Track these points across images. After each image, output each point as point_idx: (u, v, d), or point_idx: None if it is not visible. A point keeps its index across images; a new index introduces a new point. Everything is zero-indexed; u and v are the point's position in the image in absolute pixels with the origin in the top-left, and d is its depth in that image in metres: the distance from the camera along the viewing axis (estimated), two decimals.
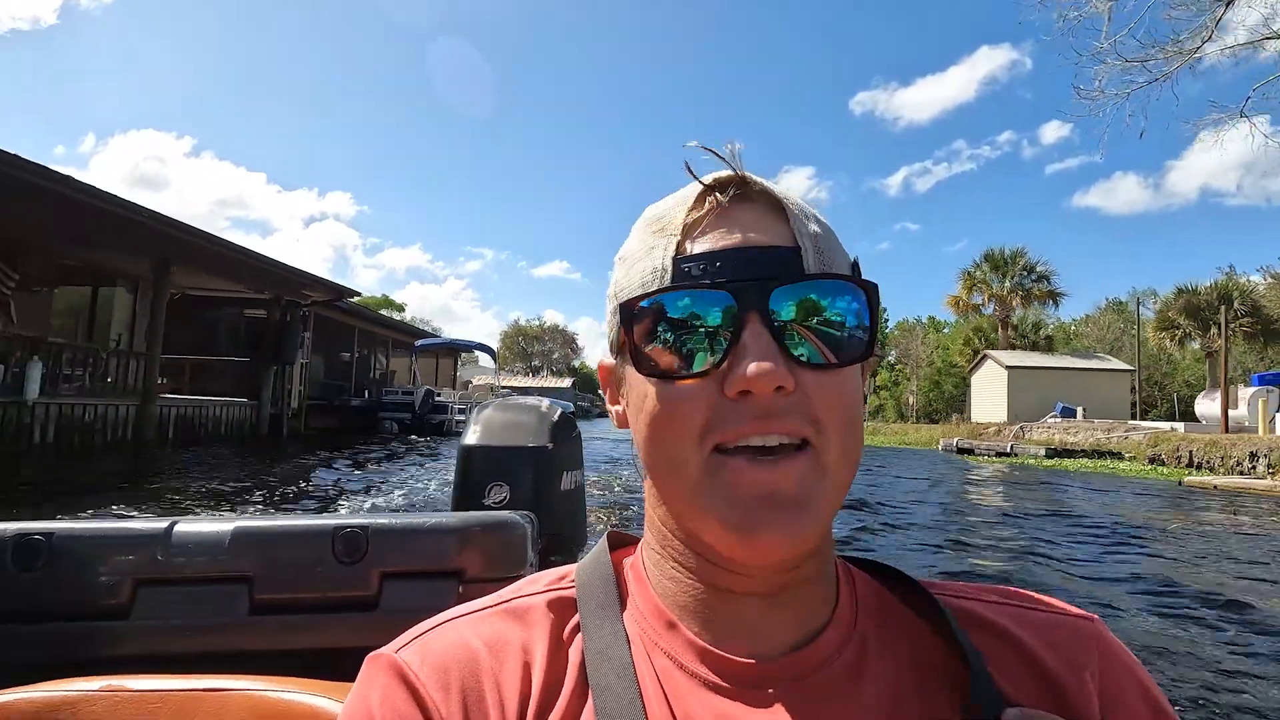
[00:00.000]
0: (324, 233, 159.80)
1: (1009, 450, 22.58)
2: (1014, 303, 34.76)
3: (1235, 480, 13.53)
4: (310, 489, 8.88)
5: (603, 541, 0.50)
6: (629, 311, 0.41)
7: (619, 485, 9.65)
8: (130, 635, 0.97)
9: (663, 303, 0.40)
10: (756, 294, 0.38)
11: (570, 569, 0.48)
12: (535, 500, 2.00)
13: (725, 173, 0.42)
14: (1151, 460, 18.25)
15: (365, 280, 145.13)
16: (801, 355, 0.38)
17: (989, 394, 32.17)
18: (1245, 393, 21.59)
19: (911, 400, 47.41)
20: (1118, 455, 19.90)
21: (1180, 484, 13.92)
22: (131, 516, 1.16)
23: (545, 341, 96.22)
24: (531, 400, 2.37)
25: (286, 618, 1.02)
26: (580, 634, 0.42)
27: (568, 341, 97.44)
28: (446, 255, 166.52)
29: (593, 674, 0.40)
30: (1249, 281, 29.01)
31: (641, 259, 0.43)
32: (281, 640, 1.01)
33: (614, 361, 0.46)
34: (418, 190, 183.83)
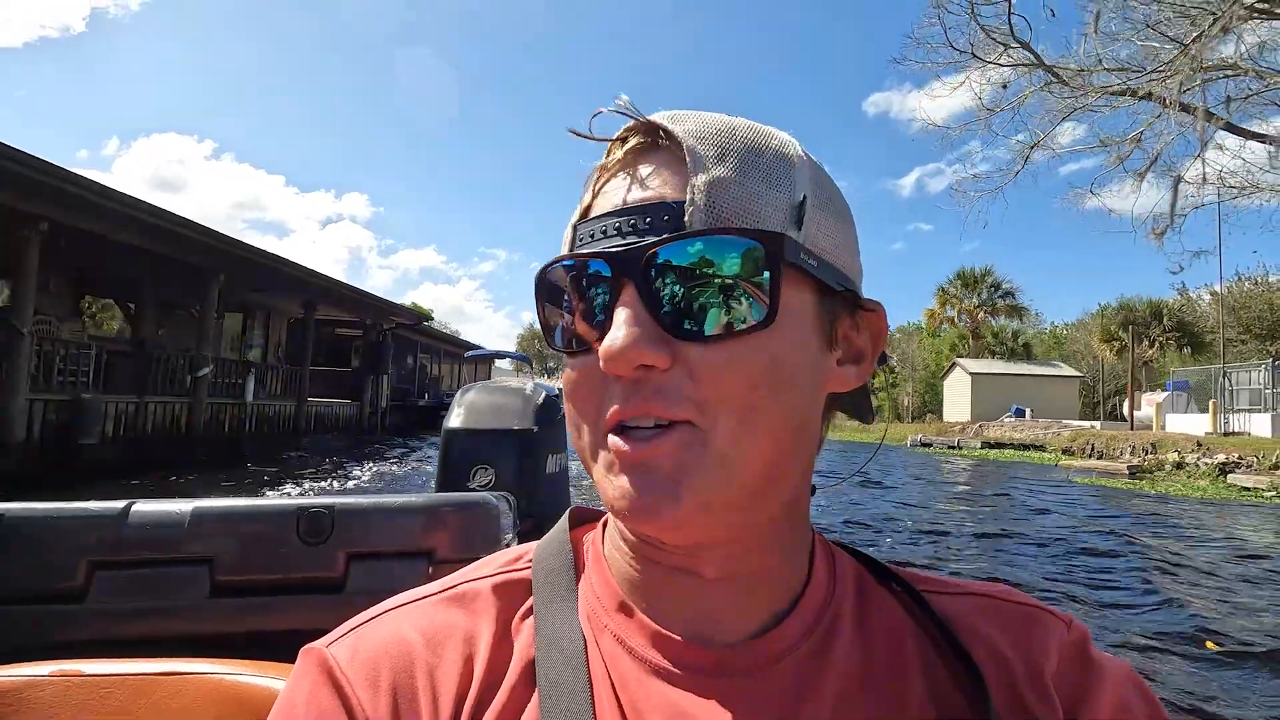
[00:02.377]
0: (340, 234, 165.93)
1: (956, 444, 27.27)
2: (980, 316, 39.32)
3: (1095, 463, 18.17)
4: (412, 455, 13.96)
5: (564, 518, 0.46)
6: (539, 283, 0.39)
7: None
8: (85, 619, 0.94)
9: (552, 274, 0.38)
10: (630, 261, 0.34)
11: (529, 548, 0.45)
12: (520, 484, 1.98)
13: (640, 120, 0.37)
14: (1065, 451, 22.78)
15: (380, 281, 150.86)
16: (685, 326, 0.34)
17: (957, 396, 36.76)
18: (1159, 396, 26.12)
19: (907, 401, 51.83)
20: (1041, 448, 24.47)
21: (1057, 465, 18.63)
22: (88, 498, 1.05)
23: None
24: (515, 382, 2.37)
25: (249, 600, 1.00)
26: (532, 619, 0.40)
27: None
28: (460, 256, 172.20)
29: (541, 663, 0.37)
30: (1179, 299, 33.26)
31: (567, 228, 0.40)
32: (244, 623, 0.99)
33: None
34: (434, 192, 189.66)
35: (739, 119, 0.39)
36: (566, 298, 0.38)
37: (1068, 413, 33.78)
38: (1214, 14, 11.16)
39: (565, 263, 0.37)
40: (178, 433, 12.78)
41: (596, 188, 0.38)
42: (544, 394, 2.33)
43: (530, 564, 0.43)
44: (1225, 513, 10.55)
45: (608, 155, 0.38)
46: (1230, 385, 21.73)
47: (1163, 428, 23.55)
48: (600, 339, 0.35)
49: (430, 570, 1.04)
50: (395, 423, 23.42)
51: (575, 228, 0.39)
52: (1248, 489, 12.92)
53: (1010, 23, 12.79)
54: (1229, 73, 12.09)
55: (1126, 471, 15.98)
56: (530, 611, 0.40)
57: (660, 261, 0.34)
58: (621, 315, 0.34)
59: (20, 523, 0.95)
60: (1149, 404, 25.69)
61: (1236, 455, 14.63)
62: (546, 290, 0.39)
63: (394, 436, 21.31)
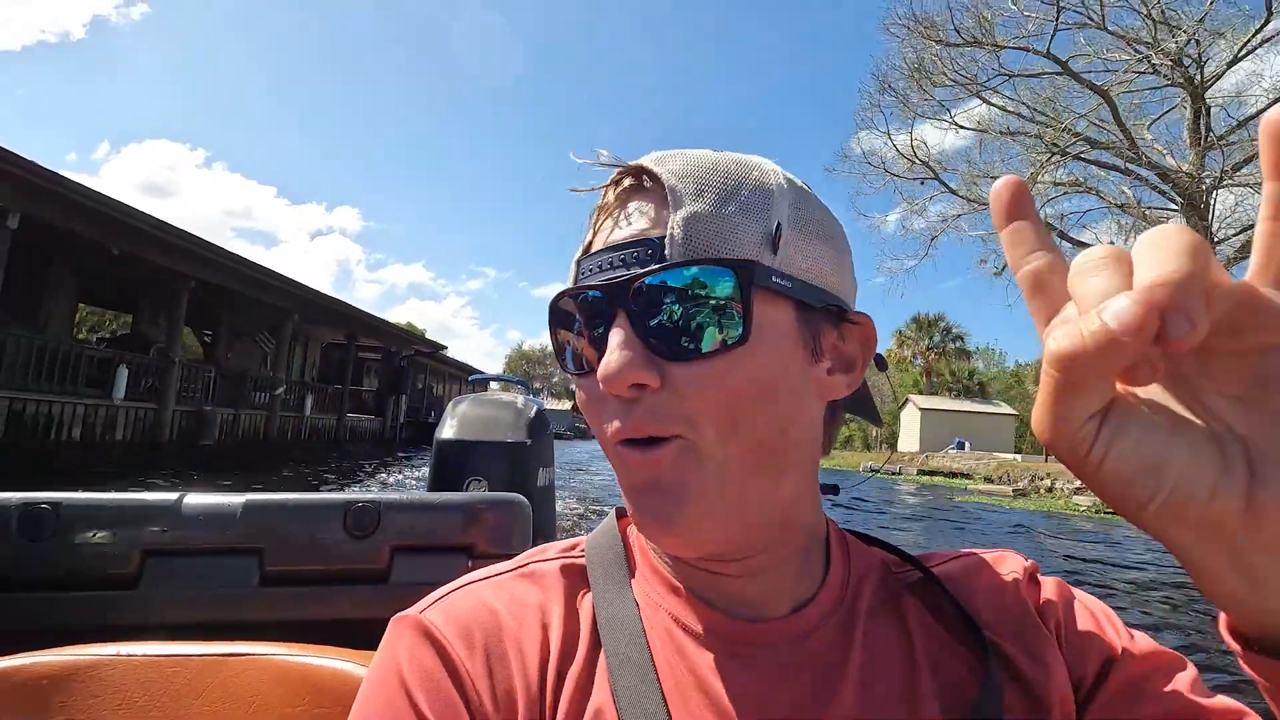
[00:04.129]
0: (329, 246, 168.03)
1: (899, 471, 31.19)
2: (933, 358, 43.69)
3: (994, 486, 22.05)
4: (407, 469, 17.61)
5: (611, 514, 0.51)
6: (551, 312, 0.43)
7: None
8: (138, 605, 0.97)
9: (559, 306, 0.43)
10: (620, 291, 0.39)
11: (580, 539, 0.50)
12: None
13: (630, 164, 0.42)
14: (987, 479, 26.69)
15: (366, 295, 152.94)
16: (671, 348, 0.38)
17: (909, 429, 40.84)
18: None
19: (875, 431, 55.91)
20: (969, 476, 28.39)
21: (966, 489, 22.51)
22: (140, 489, 1.18)
23: (546, 365, 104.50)
24: (506, 396, 2.42)
25: (298, 589, 1.03)
26: (590, 599, 0.44)
27: None
28: (449, 273, 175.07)
29: (605, 637, 0.42)
30: None
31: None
32: (292, 611, 1.02)
33: None
34: (425, 208, 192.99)
35: (726, 154, 0.42)
36: (570, 325, 0.42)
37: (1004, 446, 37.93)
38: (1049, 152, 15.43)
39: (570, 295, 0.42)
40: (259, 439, 16.25)
41: (595, 226, 0.43)
42: (535, 408, 2.36)
43: (583, 553, 0.48)
44: (1054, 518, 14.40)
45: (604, 197, 0.43)
46: None
47: None
48: (588, 365, 0.40)
49: (469, 564, 1.07)
50: (409, 436, 26.88)
51: (579, 263, 0.43)
52: (1084, 506, 16.90)
53: (914, 150, 17.00)
54: (1069, 190, 16.30)
55: (1011, 493, 19.89)
56: (589, 593, 0.45)
57: (644, 292, 0.38)
58: (614, 340, 0.38)
59: (76, 511, 0.98)
60: None
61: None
62: (557, 318, 0.43)
63: (409, 447, 24.80)
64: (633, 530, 0.50)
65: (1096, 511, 16.20)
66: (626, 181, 0.42)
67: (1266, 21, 13.31)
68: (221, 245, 13.46)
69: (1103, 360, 0.23)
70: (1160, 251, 0.24)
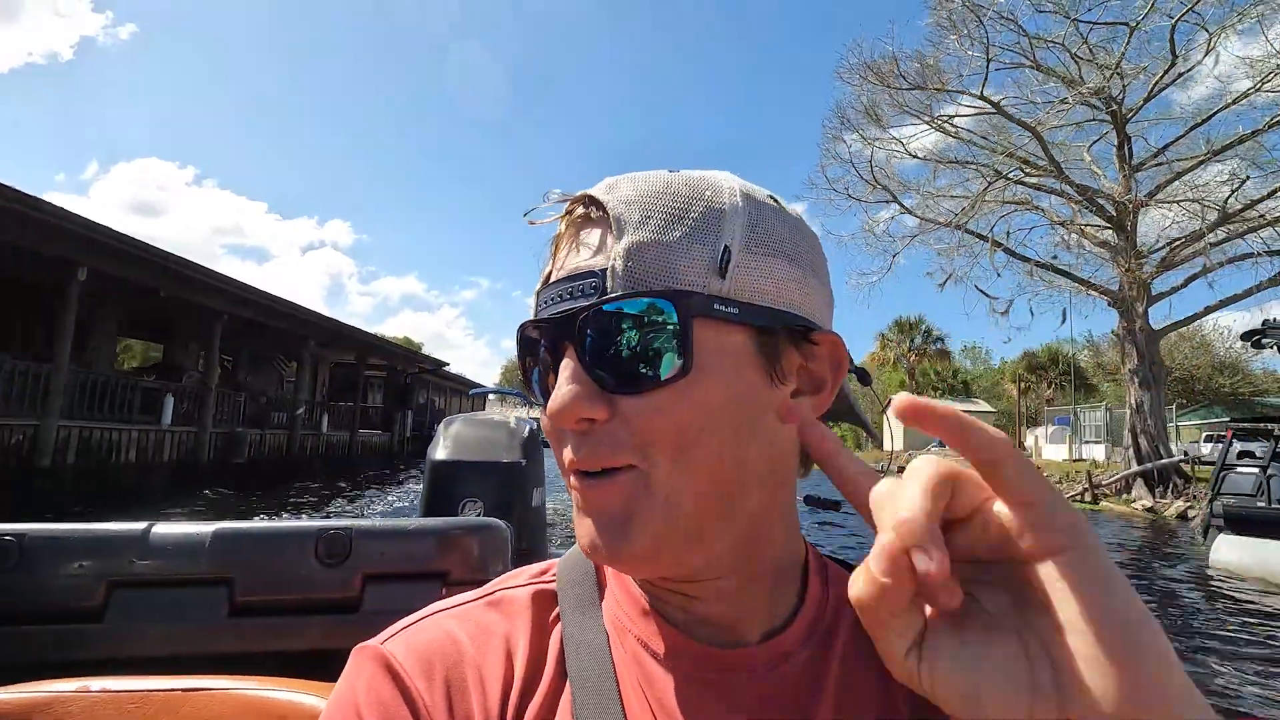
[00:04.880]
0: (321, 260, 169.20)
1: (882, 469, 32.82)
2: (914, 359, 45.42)
3: None
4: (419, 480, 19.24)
5: None
6: (517, 341, 0.44)
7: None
8: (103, 638, 0.95)
9: (525, 335, 0.43)
10: (566, 325, 0.39)
11: (552, 563, 0.49)
12: (507, 516, 1.91)
13: (580, 193, 0.41)
14: None
15: (359, 308, 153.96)
16: (617, 381, 0.38)
17: (893, 428, 42.38)
18: (1049, 429, 32.06)
19: (863, 433, 57.38)
20: None
21: None
22: (108, 519, 1.06)
23: None
24: (499, 416, 2.38)
25: (268, 620, 1.01)
26: (560, 624, 0.44)
27: None
28: (442, 284, 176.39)
29: (570, 663, 0.41)
30: (1071, 343, 39.57)
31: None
32: (263, 642, 1.00)
33: None
34: (418, 220, 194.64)
35: (681, 174, 0.42)
36: (538, 353, 0.42)
37: None
38: (993, 177, 17.15)
39: (526, 327, 0.42)
40: (282, 455, 17.74)
41: (554, 256, 0.43)
42: (528, 428, 2.37)
43: (555, 578, 0.47)
44: None
45: (559, 227, 0.43)
46: (1082, 422, 27.54)
47: (1040, 455, 29.30)
48: (546, 397, 0.39)
49: (444, 591, 1.05)
50: (416, 449, 28.41)
51: (538, 294, 0.43)
52: None
53: (874, 174, 18.72)
54: (1017, 208, 17.99)
55: None
56: (559, 618, 0.44)
57: (587, 325, 0.38)
58: (563, 374, 0.38)
59: (40, 544, 0.95)
60: (1043, 437, 31.59)
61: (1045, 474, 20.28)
62: (524, 347, 0.43)
63: (417, 459, 26.42)
64: None
65: None
66: (578, 211, 0.42)
67: (1172, 65, 15.08)
68: (221, 270, 14.99)
69: (883, 601, 0.25)
70: (897, 497, 0.27)
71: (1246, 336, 9.26)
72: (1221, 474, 8.32)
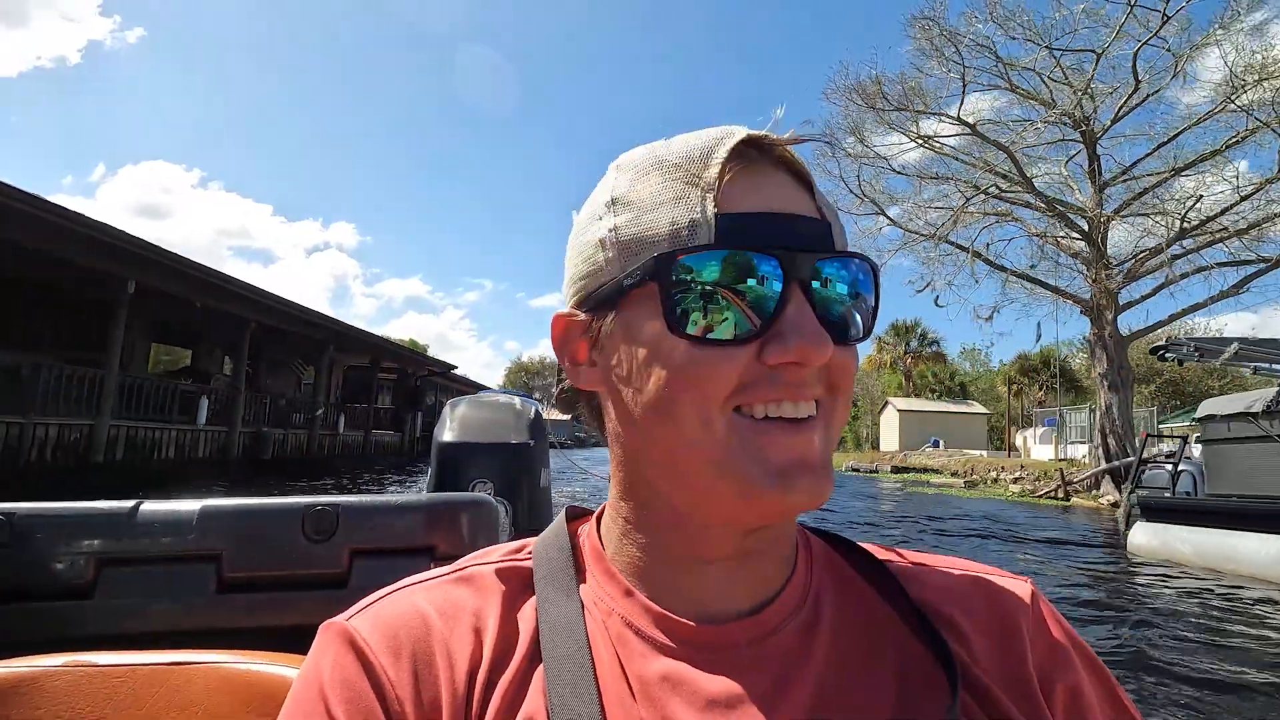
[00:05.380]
0: (325, 262, 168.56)
1: (875, 469, 33.89)
2: (909, 361, 46.47)
3: (950, 479, 24.70)
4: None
5: (560, 514, 0.50)
6: (667, 264, 0.38)
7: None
8: (94, 614, 0.96)
9: (712, 260, 0.38)
10: (803, 265, 0.38)
11: (528, 541, 0.48)
12: (516, 496, 2.01)
13: (754, 131, 0.40)
14: (953, 474, 29.31)
15: (363, 310, 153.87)
16: (836, 330, 0.39)
17: (889, 429, 43.55)
18: (1039, 430, 33.07)
19: (865, 432, 58.70)
20: (938, 471, 31.02)
21: (929, 481, 25.19)
22: (96, 498, 1.07)
23: (545, 376, 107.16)
24: (503, 398, 2.41)
25: (255, 595, 1.02)
26: (534, 601, 0.43)
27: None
28: (446, 286, 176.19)
29: (545, 641, 0.40)
30: (1058, 346, 40.58)
31: (666, 206, 0.39)
32: (251, 618, 1.01)
33: (585, 314, 0.43)
34: (422, 222, 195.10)
35: None
36: (714, 283, 0.37)
37: (977, 443, 40.60)
38: (972, 192, 18.21)
39: (731, 251, 0.37)
40: (302, 453, 18.88)
41: (727, 185, 0.39)
42: (533, 408, 2.37)
43: (530, 555, 0.46)
44: (986, 502, 17.04)
45: (729, 157, 0.39)
46: (1068, 423, 28.52)
47: (1029, 455, 30.32)
48: (763, 331, 0.37)
49: (431, 566, 1.05)
50: (425, 448, 29.54)
51: (719, 218, 0.38)
52: (1014, 491, 19.61)
53: (861, 188, 19.80)
54: (998, 220, 19.03)
55: (964, 484, 22.55)
56: (533, 596, 0.43)
57: (824, 270, 0.39)
58: (807, 314, 0.38)
59: (30, 521, 0.97)
60: (1032, 438, 32.63)
61: (1023, 472, 21.30)
62: (686, 271, 0.38)
63: (425, 456, 27.55)
64: (583, 532, 0.48)
65: (1021, 496, 18.90)
66: (765, 150, 0.40)
67: (1135, 89, 16.15)
68: (226, 272, 16.14)
69: None
70: None
71: (1154, 351, 10.48)
72: (1140, 471, 9.73)
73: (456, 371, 32.59)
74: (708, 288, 0.38)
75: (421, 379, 28.38)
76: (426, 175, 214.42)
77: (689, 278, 0.38)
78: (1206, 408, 8.31)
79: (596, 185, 0.45)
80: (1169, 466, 9.10)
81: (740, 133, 0.40)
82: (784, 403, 0.38)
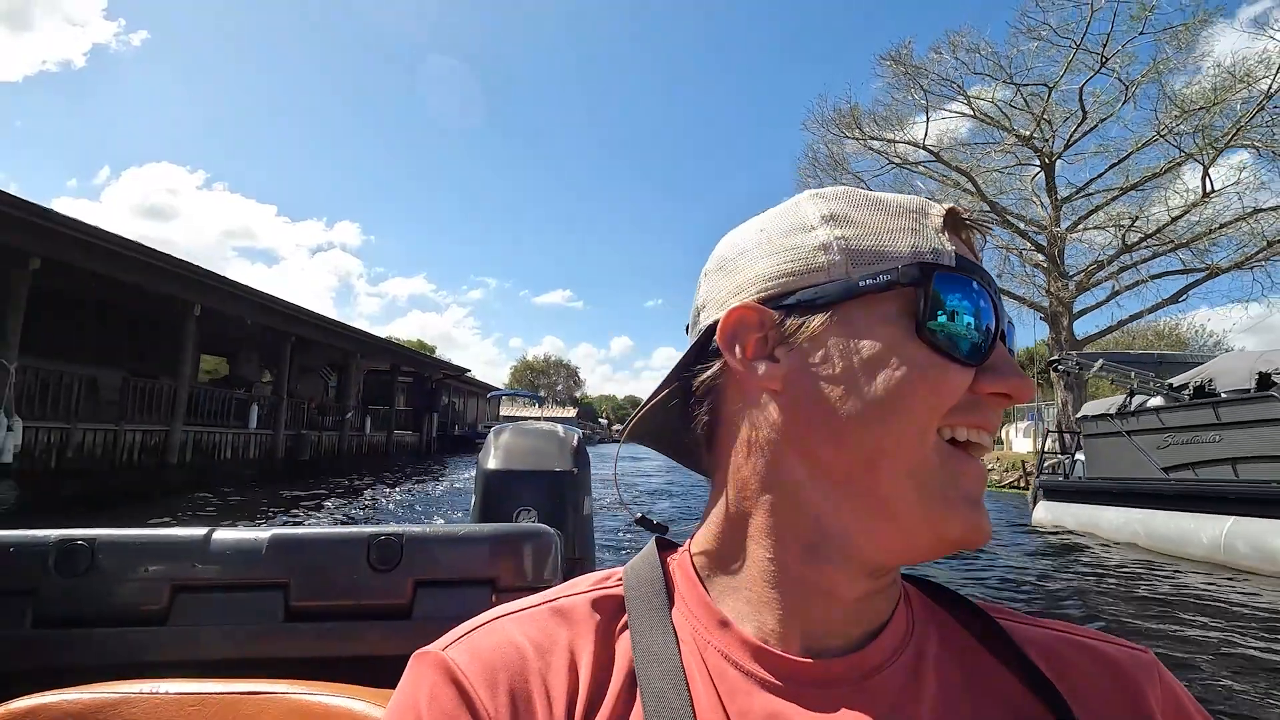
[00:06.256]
0: (329, 262, 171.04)
1: None
2: None
3: None
4: (453, 472, 22.30)
5: (651, 543, 0.49)
6: (929, 273, 0.39)
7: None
8: (168, 641, 0.99)
9: (966, 282, 0.40)
10: (1003, 315, 0.41)
11: (617, 570, 0.47)
12: (560, 524, 1.97)
13: (963, 209, 0.44)
14: None
15: (367, 309, 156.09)
16: None
17: None
18: (1022, 425, 34.88)
19: None
20: None
21: None
22: (170, 525, 1.13)
23: (550, 374, 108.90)
24: (545, 425, 2.42)
25: (321, 625, 1.03)
26: (628, 633, 0.41)
27: (570, 374, 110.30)
28: (450, 284, 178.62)
29: (641, 673, 0.39)
30: (1040, 345, 42.30)
31: (902, 233, 0.41)
32: (316, 647, 1.02)
33: (776, 310, 0.42)
34: (425, 220, 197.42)
35: None
36: (961, 306, 0.39)
37: None
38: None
39: (976, 282, 0.40)
40: (334, 454, 20.82)
41: (957, 231, 0.42)
42: (576, 436, 2.38)
43: (621, 582, 0.45)
44: None
45: (952, 216, 0.42)
46: (1045, 418, 30.28)
47: (1011, 448, 32.04)
48: (983, 356, 0.39)
49: (494, 598, 1.06)
50: (441, 447, 31.55)
51: (958, 255, 0.40)
52: (993, 480, 21.46)
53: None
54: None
55: None
56: (625, 626, 0.42)
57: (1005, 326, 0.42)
58: (1010, 357, 0.40)
59: (110, 548, 1.00)
60: (1015, 431, 34.41)
61: (996, 464, 23.12)
62: (946, 285, 0.39)
63: (442, 455, 29.58)
64: (674, 560, 0.47)
65: (989, 486, 20.75)
66: (970, 230, 0.44)
67: (1083, 120, 17.93)
68: (231, 274, 18.03)
69: None
70: None
71: (1049, 365, 12.64)
72: (1042, 460, 12.32)
73: (469, 375, 34.53)
74: (955, 306, 0.39)
75: (437, 382, 30.33)
76: (429, 173, 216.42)
77: (943, 292, 0.39)
78: (1085, 409, 10.33)
79: (780, 207, 0.46)
80: (1062, 457, 11.17)
81: (946, 206, 0.43)
82: (984, 431, 0.39)
